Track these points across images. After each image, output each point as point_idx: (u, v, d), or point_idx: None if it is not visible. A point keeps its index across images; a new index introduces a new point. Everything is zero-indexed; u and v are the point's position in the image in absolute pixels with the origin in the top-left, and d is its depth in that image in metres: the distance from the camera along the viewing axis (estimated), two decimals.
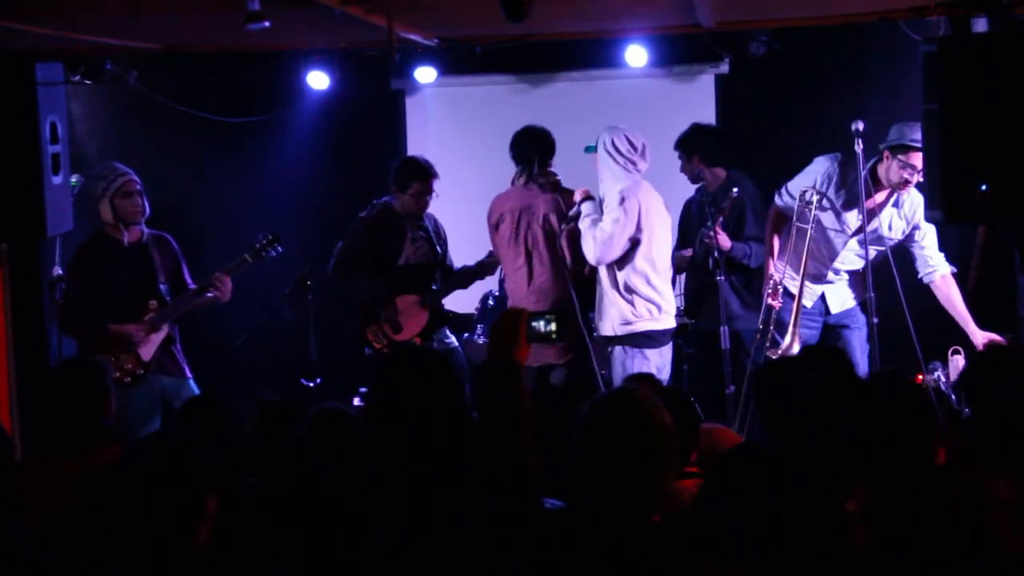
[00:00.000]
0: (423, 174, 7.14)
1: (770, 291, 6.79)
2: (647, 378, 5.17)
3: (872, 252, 6.70)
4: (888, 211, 6.81)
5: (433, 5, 5.49)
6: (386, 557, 3.28)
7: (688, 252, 7.34)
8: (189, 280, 6.95)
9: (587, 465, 3.01)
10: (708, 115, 8.17)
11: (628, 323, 6.62)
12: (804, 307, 6.85)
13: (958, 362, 6.78)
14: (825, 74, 8.15)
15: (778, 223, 6.98)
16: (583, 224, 6.61)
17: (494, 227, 6.96)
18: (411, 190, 7.15)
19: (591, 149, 6.80)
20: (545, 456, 3.50)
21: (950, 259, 6.92)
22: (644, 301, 6.61)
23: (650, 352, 6.65)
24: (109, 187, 6.72)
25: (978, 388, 3.57)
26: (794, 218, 6.76)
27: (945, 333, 7.30)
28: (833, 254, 6.89)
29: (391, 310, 7.16)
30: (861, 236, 6.69)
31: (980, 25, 6.33)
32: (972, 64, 5.70)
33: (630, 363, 6.59)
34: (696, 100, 8.42)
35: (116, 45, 6.23)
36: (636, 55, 7.83)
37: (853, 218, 6.77)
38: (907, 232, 6.86)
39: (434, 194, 7.21)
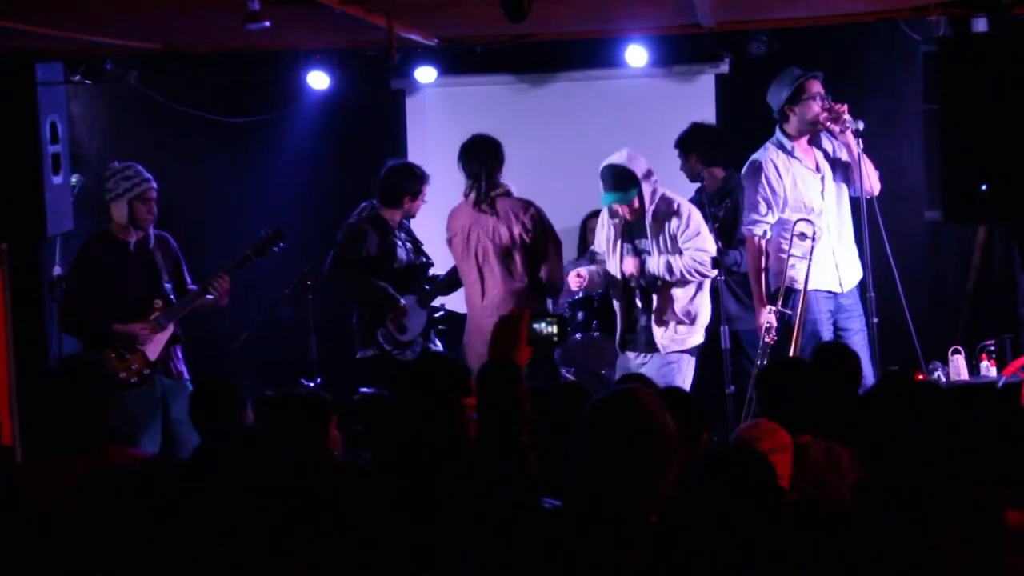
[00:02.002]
0: (425, 176, 7.14)
1: (767, 332, 6.72)
2: (640, 378, 5.16)
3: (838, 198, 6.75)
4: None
5: (433, 5, 5.49)
6: (386, 557, 3.28)
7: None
8: (188, 279, 6.95)
9: (588, 465, 3.01)
10: (708, 115, 8.17)
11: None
12: (821, 304, 6.80)
13: (958, 362, 6.78)
14: (825, 74, 8.14)
15: (767, 252, 6.87)
16: (657, 264, 6.55)
17: (448, 244, 6.96)
18: (420, 194, 7.14)
19: (611, 199, 6.54)
20: (543, 456, 3.50)
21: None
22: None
23: (693, 361, 6.69)
24: (132, 189, 6.67)
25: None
26: (789, 250, 6.72)
27: (945, 333, 7.32)
28: (811, 210, 6.80)
29: (398, 312, 7.10)
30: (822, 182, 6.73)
31: (980, 25, 6.34)
32: (972, 64, 5.72)
33: (683, 371, 6.62)
34: (696, 100, 8.42)
35: (116, 45, 6.23)
36: (636, 55, 7.83)
37: (813, 184, 6.76)
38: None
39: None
